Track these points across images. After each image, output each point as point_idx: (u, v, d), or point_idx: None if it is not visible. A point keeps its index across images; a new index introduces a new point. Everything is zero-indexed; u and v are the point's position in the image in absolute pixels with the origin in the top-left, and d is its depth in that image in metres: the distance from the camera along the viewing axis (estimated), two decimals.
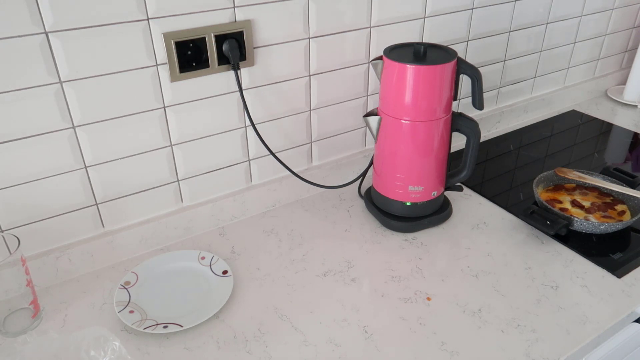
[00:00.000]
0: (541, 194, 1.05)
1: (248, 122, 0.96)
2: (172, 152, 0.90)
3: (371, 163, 1.04)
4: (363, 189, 1.11)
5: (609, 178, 1.06)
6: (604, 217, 0.99)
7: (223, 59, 0.87)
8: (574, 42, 1.45)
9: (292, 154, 1.06)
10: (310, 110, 1.03)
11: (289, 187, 1.06)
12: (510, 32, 1.27)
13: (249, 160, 1.01)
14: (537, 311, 0.80)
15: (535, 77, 1.43)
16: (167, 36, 0.80)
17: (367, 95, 1.10)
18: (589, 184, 1.06)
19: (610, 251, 0.93)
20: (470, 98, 0.93)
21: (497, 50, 1.28)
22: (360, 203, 1.07)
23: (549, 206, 0.98)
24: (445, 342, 0.75)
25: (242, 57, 0.89)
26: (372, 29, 1.03)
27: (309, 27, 0.95)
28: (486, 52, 1.26)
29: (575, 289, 0.85)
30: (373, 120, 0.94)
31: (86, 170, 0.83)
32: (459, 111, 0.96)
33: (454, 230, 0.99)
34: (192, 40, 0.83)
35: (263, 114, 0.97)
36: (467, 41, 1.20)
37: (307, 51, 0.97)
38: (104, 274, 0.89)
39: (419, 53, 0.88)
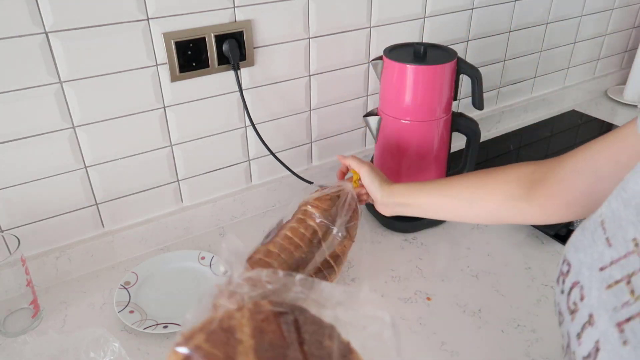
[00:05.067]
0: None
1: (248, 122, 0.96)
2: (172, 152, 0.90)
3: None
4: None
5: None
6: None
7: (223, 59, 0.87)
8: (574, 42, 1.45)
9: (292, 154, 1.06)
10: (310, 110, 1.03)
11: (289, 187, 1.06)
12: (510, 32, 1.27)
13: (249, 160, 1.01)
14: (537, 311, 0.80)
15: (535, 77, 1.43)
16: (167, 36, 0.80)
17: (367, 95, 1.10)
18: None
19: None
20: (470, 98, 0.93)
21: (497, 50, 1.28)
22: None
23: None
24: (445, 342, 0.75)
25: (242, 57, 0.89)
26: (372, 29, 1.03)
27: (309, 27, 0.95)
28: (486, 52, 1.26)
29: None
30: (373, 120, 0.94)
31: (86, 170, 0.83)
32: (459, 111, 0.96)
33: (454, 230, 0.99)
34: (192, 40, 0.83)
35: (263, 114, 0.97)
36: (467, 41, 1.20)
37: (307, 51, 0.97)
38: (104, 274, 0.89)
39: (419, 53, 0.88)
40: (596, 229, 0.37)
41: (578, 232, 0.40)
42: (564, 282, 0.39)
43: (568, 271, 0.38)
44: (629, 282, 0.32)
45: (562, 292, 0.39)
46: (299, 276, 0.41)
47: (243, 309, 0.38)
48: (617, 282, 0.33)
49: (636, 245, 0.32)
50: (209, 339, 0.35)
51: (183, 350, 0.35)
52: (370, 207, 1.02)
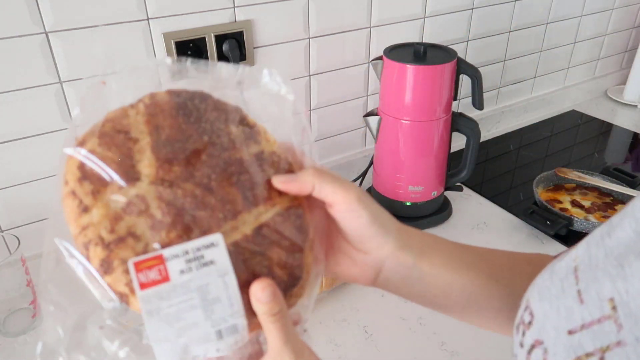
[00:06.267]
0: (541, 194, 1.05)
1: None
2: None
3: (371, 163, 1.04)
4: (363, 189, 1.11)
5: (609, 178, 1.06)
6: (604, 217, 0.99)
7: (223, 59, 0.87)
8: (574, 42, 1.45)
9: None
10: (310, 110, 1.03)
11: None
12: (510, 32, 1.27)
13: None
14: None
15: (535, 77, 1.43)
16: (167, 36, 0.80)
17: (367, 95, 1.10)
18: (589, 184, 1.06)
19: None
20: (470, 98, 0.93)
21: (497, 50, 1.28)
22: None
23: (549, 206, 0.98)
24: (445, 342, 0.75)
25: (242, 57, 0.89)
26: (372, 29, 1.03)
27: (309, 27, 0.95)
28: (486, 52, 1.26)
29: None
30: (373, 120, 0.94)
31: None
32: (459, 111, 0.96)
33: (454, 230, 0.99)
34: (192, 40, 0.83)
35: None
36: (467, 41, 1.20)
37: (307, 51, 0.97)
38: None
39: (419, 53, 0.88)
40: (567, 275, 0.31)
41: (546, 275, 0.33)
42: (524, 334, 0.32)
43: (530, 322, 0.32)
44: (601, 359, 0.26)
45: (522, 346, 0.32)
46: (189, 60, 0.39)
47: (138, 105, 0.37)
48: (588, 355, 0.27)
49: (613, 308, 0.26)
50: (102, 142, 0.34)
51: (70, 151, 0.34)
52: None
